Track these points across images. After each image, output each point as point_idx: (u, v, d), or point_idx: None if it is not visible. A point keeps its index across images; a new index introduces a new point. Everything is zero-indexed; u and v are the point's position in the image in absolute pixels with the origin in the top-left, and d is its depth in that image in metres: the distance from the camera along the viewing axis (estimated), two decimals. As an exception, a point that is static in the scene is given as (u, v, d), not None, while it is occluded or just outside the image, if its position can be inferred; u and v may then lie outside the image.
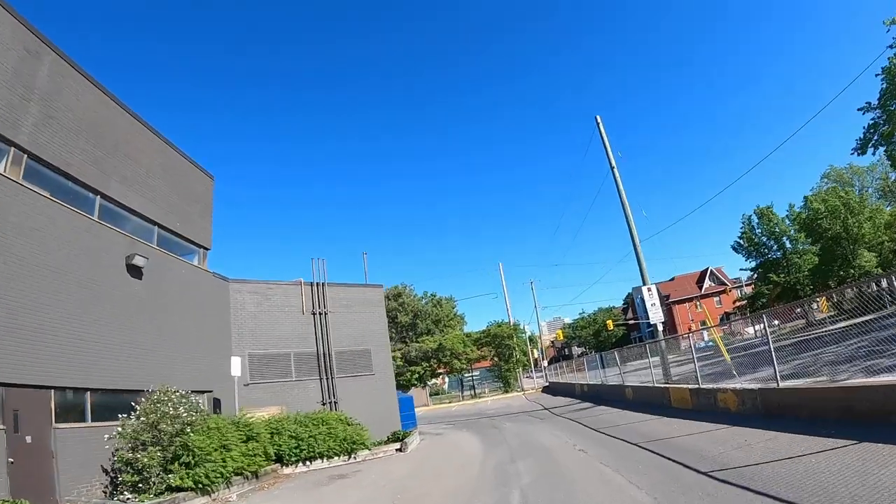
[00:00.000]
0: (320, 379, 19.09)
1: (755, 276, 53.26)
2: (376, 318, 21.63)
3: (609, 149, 24.48)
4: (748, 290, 63.00)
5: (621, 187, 23.51)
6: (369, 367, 20.58)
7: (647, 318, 22.00)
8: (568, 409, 23.85)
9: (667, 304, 75.97)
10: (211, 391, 14.82)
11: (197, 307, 15.34)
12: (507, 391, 51.39)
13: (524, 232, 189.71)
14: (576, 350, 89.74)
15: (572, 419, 18.73)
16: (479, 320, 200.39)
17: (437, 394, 57.80)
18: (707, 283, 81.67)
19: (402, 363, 52.58)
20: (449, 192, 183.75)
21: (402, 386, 51.91)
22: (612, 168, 24.29)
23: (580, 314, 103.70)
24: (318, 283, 20.14)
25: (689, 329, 73.14)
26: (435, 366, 54.60)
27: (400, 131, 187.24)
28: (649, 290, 21.65)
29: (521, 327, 58.87)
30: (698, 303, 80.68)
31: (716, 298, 79.35)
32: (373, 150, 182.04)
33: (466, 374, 58.36)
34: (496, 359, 57.07)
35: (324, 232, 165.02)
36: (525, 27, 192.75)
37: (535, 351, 61.95)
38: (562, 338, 77.40)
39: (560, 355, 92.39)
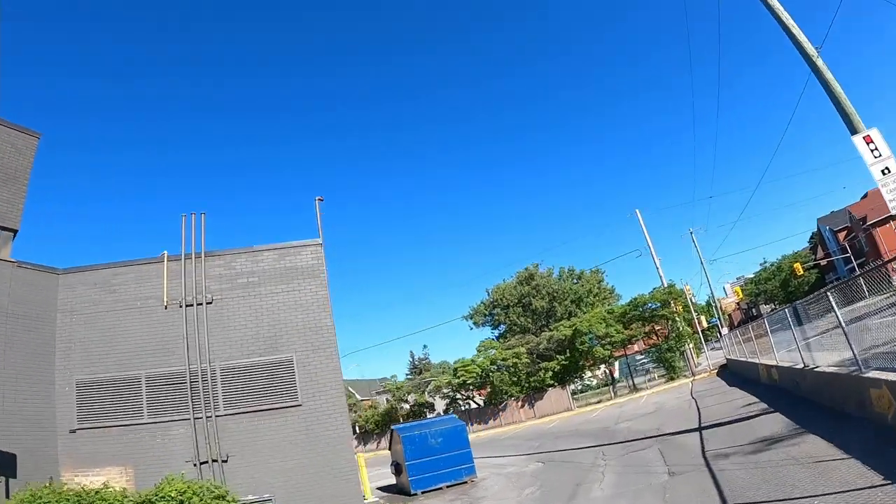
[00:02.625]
0: (193, 419, 10.78)
1: None
2: (311, 298, 12.33)
3: None
4: None
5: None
6: (291, 392, 11.61)
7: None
8: (737, 435, 10.97)
9: (864, 229, 55.72)
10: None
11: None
12: (672, 378, 37.95)
13: (665, 177, 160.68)
14: (764, 308, 69.18)
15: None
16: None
17: (585, 390, 45.73)
18: (915, 190, 57.10)
19: (527, 360, 41.98)
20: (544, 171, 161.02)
21: (536, 389, 41.32)
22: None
23: (761, 264, 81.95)
24: (191, 255, 11.90)
25: (900, 257, 50.99)
26: (576, 357, 42.95)
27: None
28: (867, 140, 9.30)
29: (681, 290, 44.00)
30: (908, 219, 57.74)
31: (931, 208, 55.97)
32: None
33: (634, 359, 46.01)
34: (654, 337, 43.68)
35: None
36: None
37: (703, 319, 46.58)
38: (741, 296, 59.09)
39: (748, 317, 72.51)
